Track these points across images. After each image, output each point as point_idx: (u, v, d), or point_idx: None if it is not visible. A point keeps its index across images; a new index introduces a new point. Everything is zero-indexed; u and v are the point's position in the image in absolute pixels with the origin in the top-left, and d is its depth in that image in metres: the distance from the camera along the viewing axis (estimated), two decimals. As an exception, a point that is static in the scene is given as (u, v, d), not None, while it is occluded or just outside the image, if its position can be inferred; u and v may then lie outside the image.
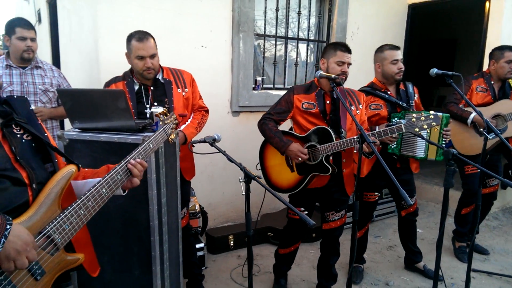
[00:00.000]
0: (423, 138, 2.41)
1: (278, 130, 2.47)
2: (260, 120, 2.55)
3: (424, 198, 4.84)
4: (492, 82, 3.23)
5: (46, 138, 1.28)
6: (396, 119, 2.60)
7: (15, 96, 1.32)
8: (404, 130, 2.28)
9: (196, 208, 3.14)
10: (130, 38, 2.26)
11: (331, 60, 2.37)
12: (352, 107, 2.49)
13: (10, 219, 0.99)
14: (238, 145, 3.63)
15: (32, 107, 2.60)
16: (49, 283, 1.13)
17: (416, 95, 2.85)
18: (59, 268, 1.16)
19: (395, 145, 2.72)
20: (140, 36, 2.22)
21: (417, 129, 2.26)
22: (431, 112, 2.29)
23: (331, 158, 2.41)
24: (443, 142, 2.57)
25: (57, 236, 1.11)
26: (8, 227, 0.96)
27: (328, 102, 2.44)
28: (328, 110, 2.43)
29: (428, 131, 2.60)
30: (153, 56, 2.25)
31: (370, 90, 2.79)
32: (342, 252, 3.37)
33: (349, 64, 2.39)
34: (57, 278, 1.17)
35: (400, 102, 2.72)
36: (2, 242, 0.94)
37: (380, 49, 2.80)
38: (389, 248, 3.58)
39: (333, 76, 2.11)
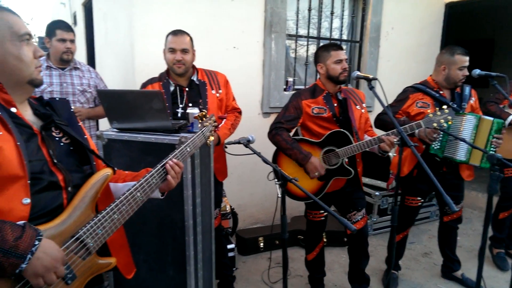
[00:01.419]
0: (464, 141, 2.30)
1: (294, 140, 2.39)
2: (270, 130, 2.45)
3: (460, 204, 4.67)
4: None
5: (85, 140, 1.28)
6: None
7: (57, 98, 1.33)
8: (423, 126, 2.29)
9: (227, 209, 3.15)
10: (168, 35, 2.34)
11: (329, 62, 2.35)
12: (357, 106, 2.45)
13: (41, 233, 0.98)
14: (267, 146, 3.59)
15: (71, 107, 2.68)
16: (80, 287, 1.12)
17: (473, 98, 2.72)
18: (90, 272, 1.14)
19: (438, 146, 2.61)
20: (176, 31, 2.32)
21: (435, 124, 2.26)
22: (445, 106, 2.30)
23: (346, 160, 2.36)
24: (492, 148, 2.46)
25: (89, 241, 1.10)
26: (37, 243, 0.95)
27: (335, 104, 2.41)
28: (338, 112, 2.39)
29: (473, 135, 2.49)
30: (184, 51, 2.29)
31: (419, 86, 2.70)
32: (374, 256, 3.30)
33: (346, 60, 2.37)
34: (90, 281, 1.16)
35: (451, 103, 2.60)
36: (28, 258, 0.93)
37: (450, 52, 2.63)
38: (424, 255, 3.46)
39: (370, 77, 2.06)
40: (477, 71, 2.42)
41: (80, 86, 2.77)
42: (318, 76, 4.01)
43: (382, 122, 2.70)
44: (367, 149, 2.32)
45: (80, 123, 1.35)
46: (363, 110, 2.49)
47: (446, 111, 2.23)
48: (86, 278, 1.14)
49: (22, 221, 0.99)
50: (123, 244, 1.35)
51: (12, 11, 1.16)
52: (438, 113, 2.25)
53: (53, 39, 2.67)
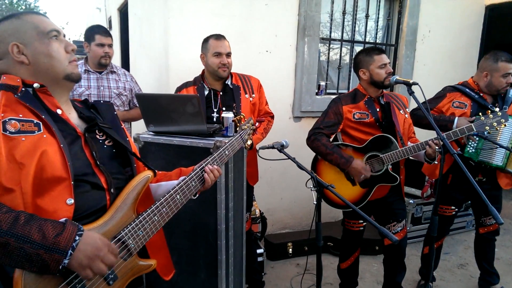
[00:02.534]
0: (502, 146, 2.19)
1: (334, 145, 2.33)
2: (309, 136, 2.41)
3: (498, 214, 4.46)
4: None
5: (127, 143, 1.30)
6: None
7: (102, 101, 1.36)
8: (475, 130, 2.18)
9: (257, 213, 3.13)
10: (207, 39, 2.36)
11: (372, 66, 2.28)
12: (401, 111, 2.37)
13: (82, 229, 1.00)
14: (298, 151, 3.54)
15: None
16: None
17: None
18: (131, 273, 1.15)
19: (473, 150, 2.48)
20: (218, 36, 2.35)
21: (487, 127, 2.16)
22: (497, 109, 2.21)
23: (390, 166, 2.28)
24: None
25: (130, 242, 1.12)
26: (77, 238, 0.97)
27: (378, 109, 2.33)
28: (381, 117, 2.32)
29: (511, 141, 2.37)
30: (228, 54, 2.34)
31: (458, 87, 2.61)
32: (408, 267, 3.18)
33: (389, 63, 2.31)
34: (130, 282, 1.17)
35: (490, 106, 2.48)
36: (69, 254, 0.95)
37: (494, 58, 2.51)
38: (460, 267, 3.32)
39: (411, 81, 1.99)
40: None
41: (116, 90, 2.84)
42: (351, 80, 3.99)
43: (416, 117, 2.60)
44: (412, 156, 2.23)
45: (123, 126, 1.37)
46: (406, 115, 2.40)
47: (499, 113, 2.12)
48: (128, 279, 1.15)
49: (64, 218, 1.01)
50: (162, 245, 1.36)
51: (37, 12, 1.19)
52: (490, 115, 2.14)
53: (92, 44, 2.74)
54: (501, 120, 2.13)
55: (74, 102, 1.26)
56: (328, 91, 3.84)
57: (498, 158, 2.43)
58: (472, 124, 2.17)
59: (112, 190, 1.16)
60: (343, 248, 2.64)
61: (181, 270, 2.08)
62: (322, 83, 3.77)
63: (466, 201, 2.91)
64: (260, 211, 3.22)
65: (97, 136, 1.23)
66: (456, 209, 2.74)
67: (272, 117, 2.60)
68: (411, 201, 3.64)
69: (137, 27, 4.28)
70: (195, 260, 2.05)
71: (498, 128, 2.17)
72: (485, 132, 2.18)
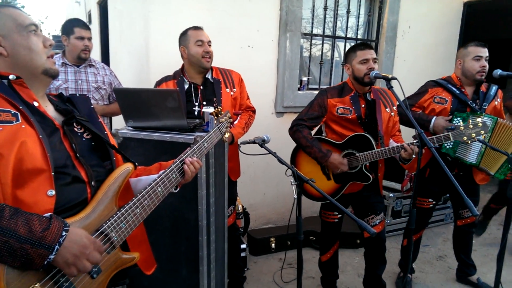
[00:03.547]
0: (485, 143, 2.24)
1: (315, 138, 2.36)
2: (291, 126, 2.42)
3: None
4: None
5: (105, 136, 1.29)
6: (458, 118, 2.45)
7: (78, 95, 1.34)
8: (452, 139, 2.19)
9: (239, 209, 3.13)
10: (185, 31, 2.34)
11: (354, 62, 2.28)
12: (387, 109, 2.38)
13: (68, 224, 0.99)
14: (281, 146, 3.56)
15: None
16: (105, 282, 1.13)
17: (498, 99, 2.64)
18: (115, 266, 1.15)
19: (451, 146, 2.54)
20: (196, 27, 2.33)
21: (465, 138, 2.16)
22: (479, 119, 2.18)
23: (367, 164, 2.32)
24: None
25: (113, 235, 1.11)
26: (64, 234, 0.96)
27: (363, 105, 2.33)
28: (364, 114, 2.32)
29: (487, 138, 2.42)
30: (210, 43, 2.32)
31: (440, 81, 2.64)
32: (389, 260, 3.23)
33: (375, 59, 2.27)
34: (114, 277, 1.17)
35: (470, 102, 2.53)
36: (56, 249, 0.94)
37: (464, 45, 2.62)
38: (438, 258, 3.40)
39: (390, 76, 2.01)
40: (498, 72, 2.35)
41: (95, 83, 2.79)
42: (332, 76, 4.01)
43: (399, 114, 2.63)
44: (389, 156, 2.26)
45: (100, 119, 1.36)
46: (392, 113, 2.40)
47: (480, 124, 2.12)
48: (111, 272, 1.15)
49: (49, 213, 1.00)
50: (143, 239, 1.36)
51: (14, 6, 1.17)
52: (470, 126, 2.14)
53: (71, 37, 2.68)
54: (481, 131, 2.12)
55: (49, 96, 1.24)
56: (310, 86, 3.85)
57: (472, 156, 2.49)
58: (450, 133, 2.19)
59: (92, 183, 1.15)
60: (322, 241, 2.67)
61: (162, 267, 2.04)
62: (304, 79, 3.78)
63: (444, 194, 2.97)
64: (243, 206, 3.22)
65: (75, 129, 1.21)
66: (434, 202, 2.80)
67: (254, 111, 2.59)
68: (391, 194, 3.70)
69: (117, 21, 4.20)
70: (176, 257, 2.03)
71: (476, 140, 2.17)
72: (471, 140, 2.18)
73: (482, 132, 2.12)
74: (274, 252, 3.39)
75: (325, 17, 3.78)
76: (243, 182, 3.49)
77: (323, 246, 2.66)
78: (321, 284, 2.77)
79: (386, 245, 3.55)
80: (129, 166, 1.23)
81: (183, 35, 2.33)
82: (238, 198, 3.14)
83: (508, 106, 3.07)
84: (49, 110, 1.17)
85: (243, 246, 2.99)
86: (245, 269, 3.05)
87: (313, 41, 3.84)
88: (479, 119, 2.18)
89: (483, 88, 2.61)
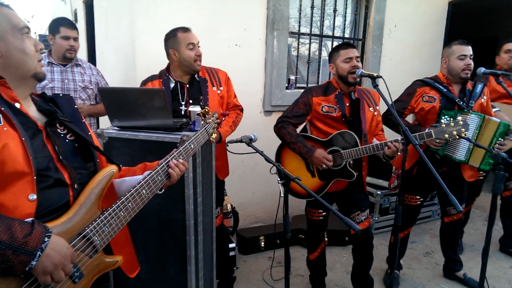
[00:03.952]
0: (469, 140, 2.27)
1: (299, 135, 2.38)
2: (276, 123, 2.44)
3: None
4: None
5: (89, 137, 1.27)
6: (446, 116, 2.48)
7: (61, 94, 1.32)
8: (434, 137, 2.23)
9: (228, 208, 3.13)
10: (174, 34, 2.28)
11: (338, 61, 2.31)
12: (370, 108, 2.41)
13: (50, 230, 0.97)
14: (269, 145, 3.57)
15: None
16: (87, 286, 1.12)
17: (485, 97, 2.67)
18: (97, 270, 1.14)
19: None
20: (184, 28, 2.29)
21: (446, 135, 2.19)
22: (459, 118, 2.21)
23: (351, 162, 2.34)
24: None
25: (96, 238, 1.10)
26: (46, 239, 0.95)
27: (347, 104, 2.36)
28: (348, 113, 2.35)
29: (476, 135, 2.46)
30: (199, 45, 2.31)
31: (427, 80, 2.67)
32: (376, 256, 3.27)
33: (358, 58, 2.30)
34: (96, 280, 1.15)
35: (457, 100, 2.56)
36: (37, 255, 0.92)
37: (448, 44, 2.67)
38: (426, 255, 3.44)
39: (375, 75, 2.03)
40: (482, 69, 2.39)
41: (82, 83, 2.76)
42: (320, 74, 4.03)
43: (389, 122, 2.67)
44: (373, 154, 2.28)
45: (84, 120, 1.33)
46: (375, 113, 2.43)
47: (461, 123, 2.16)
48: (93, 276, 1.13)
49: (30, 218, 0.98)
50: (126, 242, 1.34)
51: (9, 6, 1.15)
52: (452, 124, 2.18)
53: (56, 36, 2.65)
54: (462, 129, 2.16)
55: (32, 95, 1.21)
56: (298, 85, 3.86)
57: (461, 153, 2.52)
58: (432, 130, 2.22)
59: (75, 186, 1.13)
60: (309, 240, 2.68)
61: (149, 267, 2.05)
62: (292, 77, 3.79)
63: (431, 191, 3.01)
64: (231, 205, 3.22)
65: (58, 130, 1.19)
66: (422, 199, 2.83)
67: (241, 110, 2.58)
68: (378, 192, 3.73)
69: (103, 19, 4.15)
70: (163, 257, 2.02)
71: (457, 137, 2.21)
72: (452, 138, 2.22)
73: (463, 130, 2.16)
74: (264, 251, 3.39)
75: (312, 16, 3.80)
76: (231, 181, 3.49)
77: (310, 244, 2.67)
78: (310, 282, 2.78)
79: (374, 242, 3.58)
80: (113, 168, 1.21)
81: (173, 38, 2.28)
82: (226, 197, 3.14)
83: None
84: (32, 110, 1.15)
85: (232, 245, 2.99)
86: (235, 268, 3.04)
87: (301, 40, 3.85)
88: (459, 117, 2.20)
89: (469, 86, 2.65)
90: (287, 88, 3.73)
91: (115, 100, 1.89)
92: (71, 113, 1.28)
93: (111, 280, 2.10)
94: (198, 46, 2.30)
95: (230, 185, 3.43)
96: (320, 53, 3.96)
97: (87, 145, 1.24)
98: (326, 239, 3.41)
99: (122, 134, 1.90)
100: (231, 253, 2.94)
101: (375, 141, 2.40)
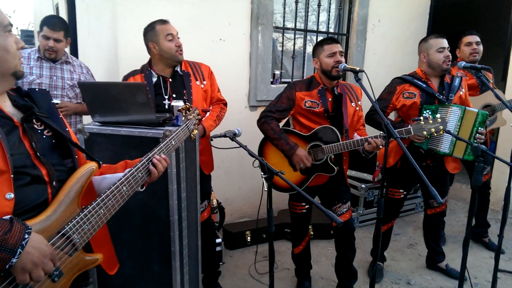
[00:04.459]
0: (450, 133, 2.31)
1: (282, 131, 2.38)
2: (260, 118, 2.45)
3: (444, 195, 4.73)
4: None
5: (67, 133, 1.25)
6: (428, 111, 2.51)
7: (37, 89, 1.29)
8: (412, 133, 2.27)
9: (214, 203, 3.12)
10: (152, 25, 2.27)
11: (322, 56, 2.33)
12: (352, 103, 2.43)
13: (30, 227, 0.95)
14: (255, 139, 3.58)
15: (58, 101, 2.62)
16: (67, 284, 1.10)
17: (463, 89, 2.72)
18: (77, 268, 1.12)
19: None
20: (162, 20, 2.27)
21: (425, 132, 2.23)
22: (438, 115, 2.25)
23: (332, 156, 2.36)
24: (474, 142, 2.47)
25: (76, 237, 1.08)
26: (26, 236, 0.93)
27: (330, 99, 2.38)
28: (330, 108, 2.37)
29: (458, 127, 2.51)
30: (178, 35, 2.28)
31: (406, 77, 2.70)
32: (360, 249, 3.33)
33: (341, 52, 2.32)
34: (75, 278, 1.14)
35: (437, 94, 2.60)
36: (18, 252, 0.90)
37: (424, 39, 2.70)
38: (409, 246, 3.50)
39: (357, 68, 2.04)
40: (462, 63, 2.43)
41: (70, 81, 2.72)
42: (305, 69, 4.04)
43: (373, 121, 2.69)
44: (353, 149, 2.31)
45: (61, 116, 1.31)
46: (357, 108, 2.46)
47: (439, 120, 2.19)
48: (73, 275, 1.11)
49: (8, 216, 0.96)
50: (106, 239, 1.32)
51: None
52: (430, 121, 2.21)
53: (40, 34, 2.64)
54: (440, 127, 2.20)
55: (7, 90, 1.18)
56: (283, 80, 3.87)
57: (445, 146, 2.56)
58: (411, 127, 2.26)
59: (54, 183, 1.11)
60: (294, 233, 2.70)
61: (134, 264, 2.03)
62: (277, 72, 3.79)
63: (415, 184, 3.05)
64: (217, 201, 3.21)
65: (35, 126, 1.16)
66: (405, 192, 2.87)
67: (225, 104, 2.57)
68: (363, 185, 3.77)
69: (84, 14, 4.07)
70: (147, 253, 2.00)
71: (436, 134, 2.26)
72: (429, 135, 2.25)
73: (441, 127, 2.20)
74: (250, 246, 3.40)
75: (296, 11, 3.80)
76: (217, 176, 3.48)
77: (295, 238, 2.69)
78: (296, 275, 2.81)
79: (359, 235, 3.64)
80: (92, 165, 1.19)
81: (151, 31, 2.26)
82: (212, 192, 3.13)
83: None
84: (7, 106, 1.12)
85: (218, 240, 2.99)
86: (221, 263, 3.05)
87: (286, 35, 3.85)
88: (438, 115, 2.24)
89: (447, 79, 2.69)
90: (272, 83, 3.74)
91: (96, 95, 1.86)
92: (47, 109, 1.25)
93: (95, 277, 2.08)
94: (178, 38, 2.28)
95: (216, 180, 3.41)
96: (305, 48, 3.97)
97: (65, 141, 1.22)
98: (312, 233, 3.45)
99: (104, 130, 1.87)
100: (217, 248, 2.94)
101: (357, 136, 2.43)
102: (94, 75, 3.28)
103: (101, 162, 1.26)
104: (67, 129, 1.27)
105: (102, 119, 1.91)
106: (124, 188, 1.21)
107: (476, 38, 3.23)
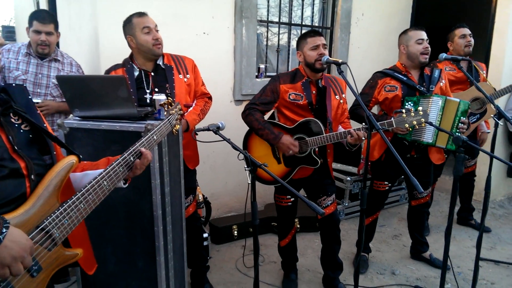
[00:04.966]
0: (431, 124, 2.34)
1: (267, 121, 2.39)
2: (244, 110, 2.44)
3: (428, 187, 4.80)
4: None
5: (45, 128, 1.23)
6: (410, 102, 2.53)
7: (14, 84, 1.26)
8: (394, 126, 2.29)
9: (200, 198, 3.11)
10: (129, 18, 2.23)
11: (305, 49, 2.33)
12: (336, 96, 2.44)
13: (8, 221, 0.93)
14: (240, 134, 3.57)
15: (39, 100, 2.57)
16: (46, 280, 1.08)
17: (443, 81, 2.75)
18: (56, 264, 1.11)
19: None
20: (140, 13, 2.23)
21: (406, 125, 2.25)
22: (420, 108, 2.28)
23: (316, 149, 2.37)
24: (457, 131, 2.51)
25: (55, 231, 1.06)
26: (4, 230, 0.90)
27: (314, 92, 2.39)
28: (314, 100, 2.37)
29: (439, 117, 2.53)
30: (157, 28, 2.24)
31: (387, 71, 2.72)
32: (346, 240, 3.36)
33: (325, 45, 2.32)
34: (55, 273, 1.12)
35: (418, 86, 2.63)
36: None
37: (404, 32, 2.73)
38: (394, 237, 3.55)
39: (340, 61, 2.05)
40: (443, 55, 2.46)
41: (56, 80, 2.66)
42: (290, 63, 4.03)
43: (357, 116, 2.70)
44: (337, 141, 2.32)
45: (39, 111, 1.28)
46: (341, 101, 2.46)
47: (421, 113, 2.22)
48: (52, 270, 1.10)
49: None
50: (84, 238, 1.30)
51: None
52: (412, 114, 2.24)
53: (30, 30, 2.58)
54: (421, 119, 2.22)
55: None
56: (268, 74, 3.86)
57: (428, 136, 2.59)
58: (393, 120, 2.28)
59: (32, 177, 1.08)
60: (280, 226, 2.71)
61: (117, 260, 2.01)
62: (262, 66, 3.78)
63: (399, 176, 3.09)
64: (203, 195, 3.20)
65: (12, 120, 1.14)
66: (390, 185, 2.90)
67: (210, 98, 2.55)
68: (348, 178, 3.80)
69: (65, 8, 3.99)
70: (132, 249, 1.98)
71: (417, 127, 2.29)
72: (412, 127, 2.28)
73: (423, 120, 2.22)
74: (237, 240, 3.40)
75: (280, 4, 3.78)
76: (203, 171, 3.46)
77: (281, 231, 2.70)
78: (282, 268, 2.82)
79: (345, 227, 3.67)
80: (72, 159, 1.17)
81: (128, 23, 2.23)
82: (198, 187, 3.11)
83: None
84: None
85: (204, 235, 2.97)
86: (208, 258, 3.04)
87: (271, 29, 3.83)
88: (420, 107, 2.27)
89: (427, 71, 2.72)
90: (257, 77, 3.72)
91: (75, 89, 1.83)
92: (25, 104, 1.23)
93: (79, 274, 2.06)
94: (157, 31, 2.24)
95: (202, 176, 3.40)
96: (289, 42, 3.96)
97: (43, 137, 1.20)
98: (299, 226, 3.47)
99: (84, 124, 1.83)
100: (204, 243, 2.93)
101: (341, 129, 2.44)
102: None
103: (81, 156, 1.25)
104: (44, 124, 1.25)
105: (82, 113, 1.88)
106: (105, 182, 1.20)
107: (468, 31, 3.30)
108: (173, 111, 1.66)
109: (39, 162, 1.15)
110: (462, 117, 2.54)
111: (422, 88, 2.63)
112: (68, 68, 2.77)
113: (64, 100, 2.74)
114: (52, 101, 2.67)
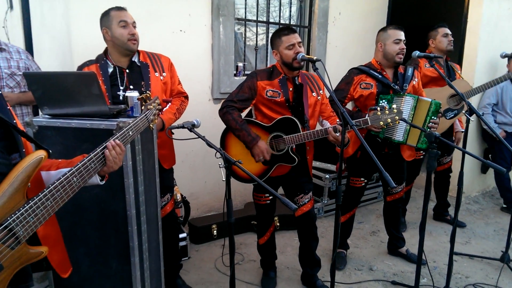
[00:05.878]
0: (405, 121, 2.38)
1: (244, 121, 2.37)
2: (221, 108, 2.41)
3: (406, 184, 4.88)
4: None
5: (14, 124, 1.18)
6: (384, 100, 2.57)
7: None
8: (369, 124, 2.32)
9: (178, 198, 3.07)
10: (107, 12, 2.20)
11: (281, 48, 2.32)
12: (313, 93, 2.45)
13: None
14: (219, 132, 3.55)
15: None
16: (7, 279, 1.04)
17: (416, 79, 2.80)
18: (19, 262, 1.06)
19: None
20: (119, 7, 2.20)
21: (381, 123, 2.28)
22: (394, 106, 2.31)
23: (294, 147, 2.38)
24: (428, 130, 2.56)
25: (19, 229, 1.02)
26: None
27: (290, 89, 2.38)
28: (291, 97, 2.37)
29: (411, 116, 2.59)
30: (134, 24, 2.20)
31: (363, 68, 2.75)
32: (325, 238, 3.39)
33: (300, 43, 2.31)
34: (16, 279, 1.08)
35: (392, 84, 2.67)
36: None
37: (383, 29, 2.76)
38: (372, 234, 3.59)
39: (315, 58, 2.05)
40: (416, 53, 2.50)
41: (8, 69, 2.54)
42: (268, 61, 4.03)
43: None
44: (315, 139, 2.32)
45: (9, 107, 1.23)
46: (319, 97, 2.46)
47: (395, 110, 2.25)
48: (15, 269, 1.06)
49: None
50: (58, 239, 1.26)
51: None
52: (387, 112, 2.27)
53: None
54: (395, 117, 2.26)
55: None
56: (246, 72, 3.85)
57: (399, 134, 2.65)
58: (368, 118, 2.31)
59: None
60: (259, 224, 2.70)
61: (91, 262, 1.96)
62: (240, 64, 3.77)
63: (374, 172, 3.13)
64: (182, 195, 3.16)
65: None
66: (366, 181, 2.93)
67: (186, 97, 2.52)
68: (326, 176, 3.83)
69: (37, 5, 3.88)
70: (105, 250, 1.93)
71: (392, 124, 2.33)
72: (386, 125, 2.31)
73: (397, 118, 2.26)
74: (216, 239, 3.38)
75: (258, 3, 3.78)
76: (182, 171, 3.43)
77: (260, 229, 2.69)
78: (261, 266, 2.81)
79: (324, 224, 3.69)
80: (40, 154, 1.12)
81: (105, 16, 2.19)
82: (176, 187, 3.08)
83: None
84: None
85: (183, 235, 2.95)
86: (186, 258, 3.01)
87: (250, 27, 3.83)
88: (394, 105, 2.30)
89: (401, 70, 2.77)
90: (235, 75, 3.71)
91: (43, 86, 1.77)
92: None
93: (51, 276, 2.00)
94: (134, 26, 2.21)
95: (180, 175, 3.37)
96: (267, 40, 3.96)
97: (11, 133, 1.15)
98: (278, 224, 3.47)
99: (53, 122, 1.78)
100: (181, 243, 2.90)
101: (326, 124, 2.44)
102: (48, 67, 3.13)
103: (50, 151, 1.20)
104: (14, 121, 1.20)
105: (52, 111, 1.83)
106: (75, 178, 1.16)
107: (449, 30, 3.42)
108: (151, 106, 1.63)
109: (3, 160, 1.10)
110: (433, 117, 2.59)
111: (396, 87, 2.67)
112: (17, 56, 2.64)
113: (23, 90, 2.63)
114: (11, 92, 2.54)
